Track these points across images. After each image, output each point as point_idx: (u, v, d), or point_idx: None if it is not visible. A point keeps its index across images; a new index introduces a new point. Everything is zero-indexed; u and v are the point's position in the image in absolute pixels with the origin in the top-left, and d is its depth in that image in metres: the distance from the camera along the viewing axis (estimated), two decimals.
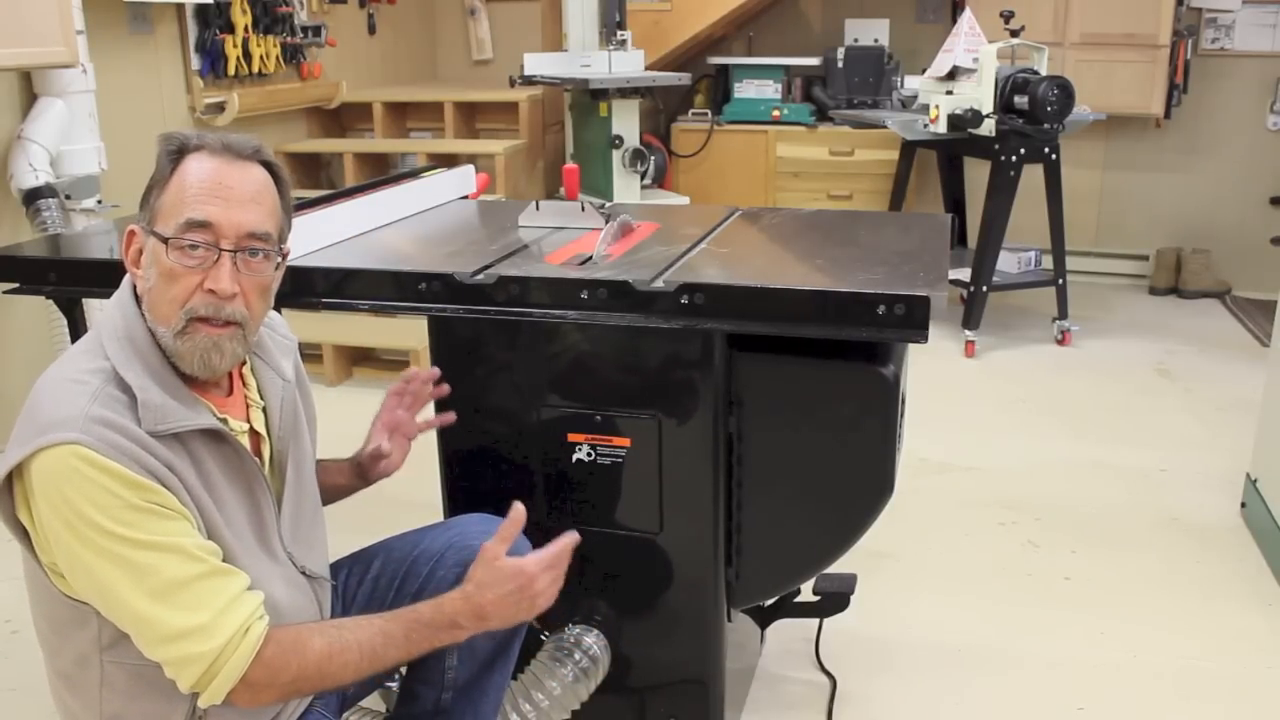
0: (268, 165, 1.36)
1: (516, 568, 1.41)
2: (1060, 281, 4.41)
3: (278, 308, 1.55)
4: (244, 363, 1.44)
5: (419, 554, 1.62)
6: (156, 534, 1.21)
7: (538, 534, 1.67)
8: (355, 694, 1.65)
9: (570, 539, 1.47)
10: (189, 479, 1.27)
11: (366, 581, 1.63)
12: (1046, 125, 4.11)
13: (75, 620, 1.30)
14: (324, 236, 1.98)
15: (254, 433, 1.43)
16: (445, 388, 1.79)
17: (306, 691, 1.33)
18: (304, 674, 1.28)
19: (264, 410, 1.45)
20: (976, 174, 4.73)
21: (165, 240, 1.28)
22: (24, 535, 1.27)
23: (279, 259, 1.37)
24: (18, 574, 1.34)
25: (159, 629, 1.22)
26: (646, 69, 4.86)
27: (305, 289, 1.79)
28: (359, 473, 1.74)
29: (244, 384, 1.44)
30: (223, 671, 1.23)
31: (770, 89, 5.40)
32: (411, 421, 1.77)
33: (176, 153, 1.32)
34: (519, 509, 1.45)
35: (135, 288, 1.34)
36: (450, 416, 1.79)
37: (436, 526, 1.70)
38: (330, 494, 1.71)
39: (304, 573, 1.44)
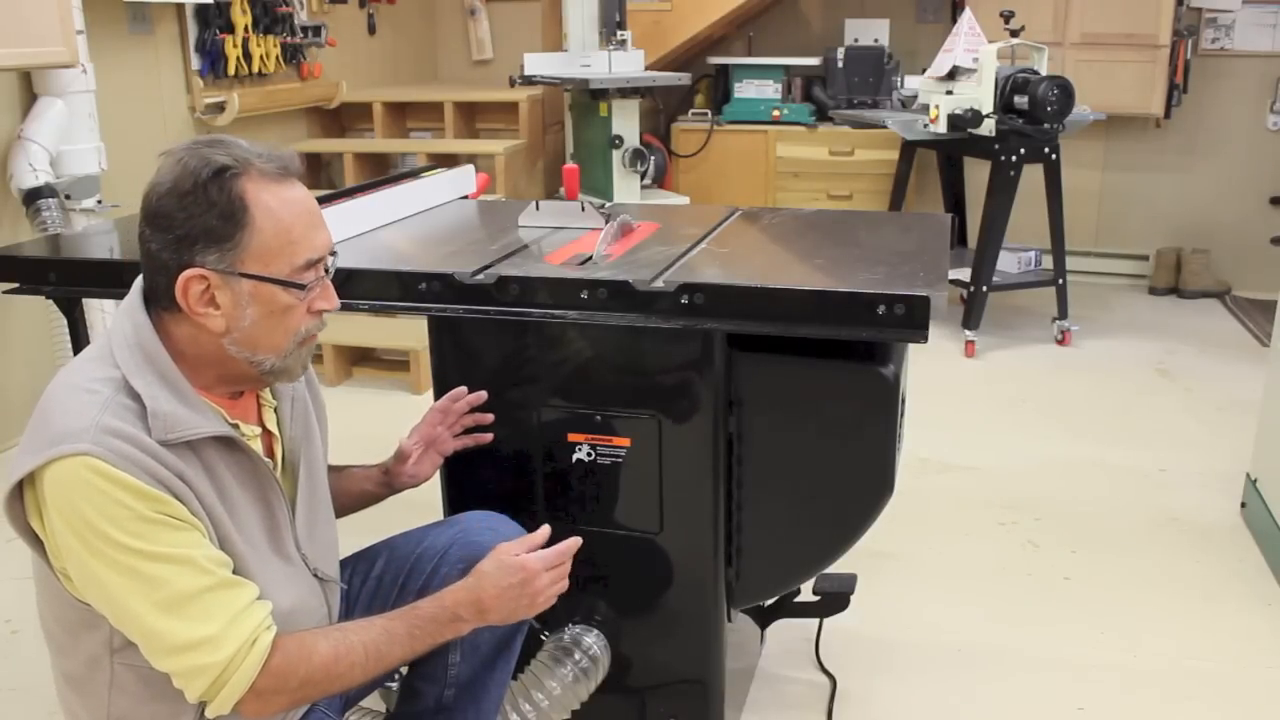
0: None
1: (519, 563, 1.43)
2: (1060, 281, 4.41)
3: None
4: None
5: (423, 551, 1.62)
6: (167, 545, 1.22)
7: None
8: (357, 693, 1.65)
9: (571, 544, 1.49)
10: (201, 487, 1.27)
11: (370, 580, 1.63)
12: (1046, 125, 4.11)
13: (86, 622, 1.30)
14: None
15: (267, 433, 1.43)
16: (489, 416, 1.80)
17: (315, 696, 1.33)
18: (311, 679, 1.29)
19: (275, 410, 1.45)
20: (976, 174, 4.73)
21: (291, 285, 1.29)
22: (36, 541, 1.27)
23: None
24: (17, 574, 1.34)
25: (167, 640, 1.22)
26: (646, 69, 4.85)
27: None
28: (386, 480, 1.74)
29: None
30: (230, 682, 1.23)
31: (770, 89, 5.40)
32: (448, 439, 1.77)
33: (231, 183, 1.25)
34: (545, 532, 1.49)
35: (145, 294, 1.32)
36: (487, 437, 1.80)
37: (440, 524, 1.70)
38: (356, 500, 1.72)
39: (316, 575, 1.45)
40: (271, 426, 1.44)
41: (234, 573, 1.29)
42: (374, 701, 1.83)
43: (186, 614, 1.21)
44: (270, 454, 1.43)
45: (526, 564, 1.43)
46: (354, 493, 1.71)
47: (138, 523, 1.20)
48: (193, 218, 1.25)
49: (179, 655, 1.22)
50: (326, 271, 1.35)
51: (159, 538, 1.21)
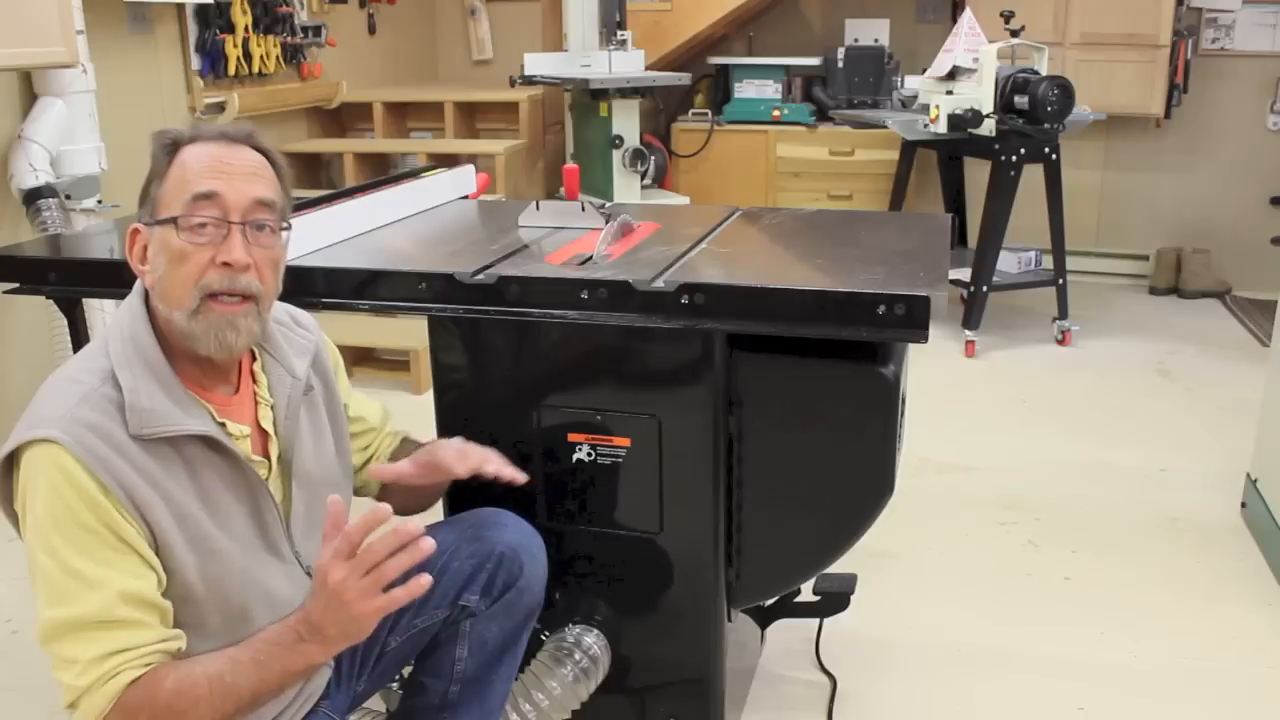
0: (262, 150, 1.38)
1: (320, 569, 1.25)
2: (1060, 281, 4.41)
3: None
4: (255, 360, 1.44)
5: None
6: (90, 563, 1.21)
7: (538, 535, 1.67)
8: (364, 692, 1.65)
9: (374, 517, 1.24)
10: (171, 488, 1.27)
11: None
12: (1046, 125, 4.11)
13: None
14: (324, 236, 1.98)
15: (262, 431, 1.42)
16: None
17: None
18: (155, 717, 1.23)
19: (273, 408, 1.44)
20: (976, 174, 4.73)
21: (174, 221, 1.29)
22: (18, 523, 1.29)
23: (285, 231, 1.38)
24: (18, 574, 1.34)
25: (51, 646, 1.24)
26: (646, 69, 4.85)
27: (305, 289, 1.79)
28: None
29: (254, 381, 1.44)
30: (81, 708, 1.23)
31: (770, 89, 5.40)
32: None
33: (172, 146, 1.33)
34: (335, 502, 1.27)
35: (145, 289, 1.34)
36: (521, 477, 1.66)
37: (450, 521, 1.70)
38: (405, 497, 1.66)
39: (309, 573, 1.44)
40: (267, 425, 1.43)
41: (216, 569, 1.29)
42: (374, 703, 1.83)
43: (74, 634, 1.22)
44: (265, 453, 1.42)
45: (327, 571, 1.24)
46: (405, 488, 1.65)
47: (75, 528, 1.21)
48: (146, 184, 1.35)
49: (56, 664, 1.24)
50: (251, 226, 1.31)
51: (88, 551, 1.21)
